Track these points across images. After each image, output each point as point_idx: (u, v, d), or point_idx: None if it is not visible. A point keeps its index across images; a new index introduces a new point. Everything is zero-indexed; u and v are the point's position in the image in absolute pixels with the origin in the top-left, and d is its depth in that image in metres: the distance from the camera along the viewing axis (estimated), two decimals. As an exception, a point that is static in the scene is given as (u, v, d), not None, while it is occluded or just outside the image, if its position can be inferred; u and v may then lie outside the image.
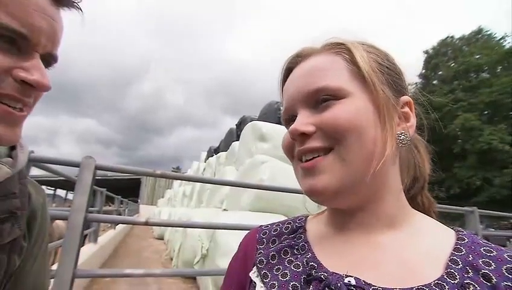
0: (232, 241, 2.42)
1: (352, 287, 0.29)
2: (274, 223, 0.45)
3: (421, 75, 26.59)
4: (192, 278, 3.73)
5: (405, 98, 0.36)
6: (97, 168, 1.42)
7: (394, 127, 0.34)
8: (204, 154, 10.95)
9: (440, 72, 24.20)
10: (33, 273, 0.43)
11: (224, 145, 7.11)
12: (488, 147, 17.62)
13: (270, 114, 5.36)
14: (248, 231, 0.46)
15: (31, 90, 0.33)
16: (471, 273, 0.28)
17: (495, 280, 0.27)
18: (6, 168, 0.37)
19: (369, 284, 0.29)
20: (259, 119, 5.49)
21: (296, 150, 0.36)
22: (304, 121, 0.34)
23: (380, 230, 0.34)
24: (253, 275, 0.37)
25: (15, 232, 0.39)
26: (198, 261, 2.89)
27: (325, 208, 0.42)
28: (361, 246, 0.34)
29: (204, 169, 8.15)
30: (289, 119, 0.38)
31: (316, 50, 0.38)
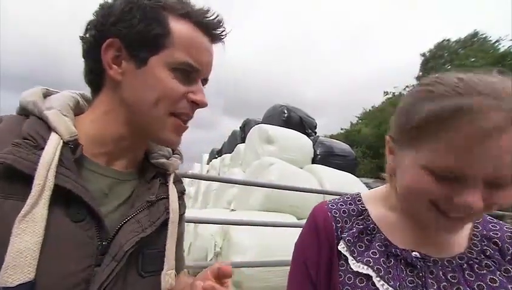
0: (246, 239, 2.53)
1: (419, 259, 0.43)
2: (337, 202, 0.55)
3: (417, 78, 26.85)
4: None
5: None
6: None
7: None
8: (206, 156, 11.05)
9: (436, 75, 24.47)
10: (181, 244, 0.56)
11: (228, 148, 7.23)
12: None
13: (275, 117, 5.49)
14: (314, 208, 0.55)
15: (196, 107, 0.46)
16: (486, 242, 0.43)
17: (500, 243, 0.42)
18: (178, 161, 0.52)
19: (429, 256, 0.43)
20: (264, 121, 5.62)
21: (448, 207, 0.38)
22: (480, 197, 0.35)
23: None
24: (343, 249, 0.48)
25: (184, 207, 0.54)
26: (211, 259, 3.01)
27: (375, 190, 0.55)
28: (412, 228, 0.47)
29: (207, 171, 8.26)
30: (453, 176, 0.36)
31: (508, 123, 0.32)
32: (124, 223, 0.42)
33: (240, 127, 6.85)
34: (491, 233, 0.44)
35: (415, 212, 0.43)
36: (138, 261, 0.43)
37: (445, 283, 0.41)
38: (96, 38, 0.42)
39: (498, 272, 0.40)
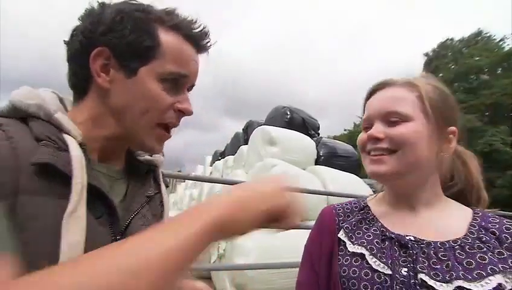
0: (249, 241, 2.54)
1: (413, 242, 0.47)
2: (343, 203, 0.63)
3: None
4: (207, 278, 3.85)
5: (452, 128, 0.51)
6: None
7: (437, 147, 0.50)
8: (209, 158, 11.08)
9: (441, 75, 24.31)
10: None
11: (231, 149, 7.25)
12: (490, 148, 17.70)
13: (277, 118, 5.49)
14: (322, 209, 0.63)
15: (182, 115, 0.47)
16: (483, 231, 0.46)
17: (498, 233, 0.45)
18: (161, 156, 0.55)
19: (422, 239, 0.47)
20: (266, 123, 5.62)
21: (368, 146, 0.53)
22: (379, 130, 0.51)
23: (422, 208, 0.52)
24: (342, 236, 0.55)
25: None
26: (214, 262, 3.01)
27: (378, 193, 0.61)
28: (411, 218, 0.52)
29: (211, 173, 8.28)
30: (366, 126, 0.55)
31: (397, 83, 0.54)
32: (133, 218, 0.45)
33: (243, 129, 6.87)
34: (489, 225, 0.48)
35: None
36: None
37: (434, 260, 0.45)
38: (84, 45, 0.43)
39: (490, 253, 0.43)
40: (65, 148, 0.38)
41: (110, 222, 0.42)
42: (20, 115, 0.40)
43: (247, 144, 5.40)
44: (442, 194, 0.54)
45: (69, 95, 0.48)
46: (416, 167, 0.49)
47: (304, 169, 4.15)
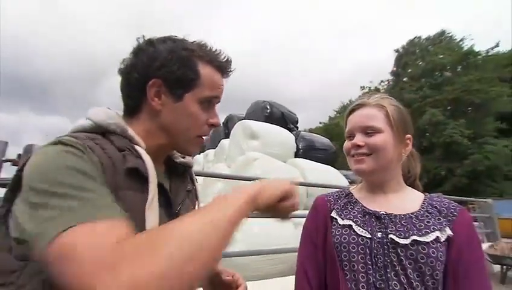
0: (236, 232, 2.64)
1: (384, 215, 0.66)
2: (332, 192, 0.82)
3: (392, 73, 28.03)
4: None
5: (408, 135, 0.71)
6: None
7: (400, 149, 0.70)
8: (187, 152, 10.97)
9: (409, 70, 25.75)
10: None
11: (211, 143, 7.24)
12: (451, 140, 19.25)
13: (257, 112, 5.59)
14: (316, 197, 0.80)
15: (213, 127, 0.60)
16: (430, 207, 0.67)
17: (438, 207, 0.68)
18: (191, 158, 0.68)
19: (390, 213, 0.68)
20: (246, 117, 5.70)
21: (352, 151, 0.72)
22: (360, 139, 0.71)
23: (390, 193, 0.72)
24: (334, 214, 0.73)
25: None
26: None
27: (358, 184, 0.79)
28: (383, 200, 0.71)
29: (190, 167, 8.22)
30: (349, 135, 0.74)
31: (370, 104, 0.71)
32: (180, 208, 0.59)
33: (223, 123, 6.87)
34: (434, 202, 0.69)
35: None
36: None
37: (399, 225, 0.65)
38: (142, 76, 0.54)
39: (433, 219, 0.66)
40: (138, 156, 0.50)
41: (167, 211, 0.54)
42: (101, 131, 0.51)
43: (227, 137, 5.46)
44: (404, 183, 0.75)
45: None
46: (386, 165, 0.69)
47: (285, 162, 4.31)
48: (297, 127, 5.80)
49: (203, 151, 7.63)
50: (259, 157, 3.84)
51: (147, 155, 0.51)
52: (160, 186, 0.52)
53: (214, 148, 6.25)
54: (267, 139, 4.44)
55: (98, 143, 0.46)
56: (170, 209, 0.55)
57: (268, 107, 5.52)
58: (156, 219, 0.47)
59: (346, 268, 0.65)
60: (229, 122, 6.40)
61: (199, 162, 7.23)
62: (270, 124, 4.93)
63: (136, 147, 0.52)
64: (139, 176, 0.48)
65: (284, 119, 5.57)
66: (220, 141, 5.88)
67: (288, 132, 5.04)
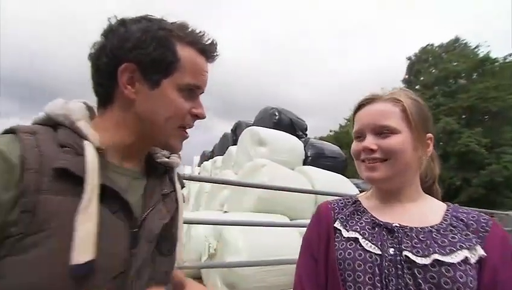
0: (239, 240, 2.57)
1: (398, 227, 0.56)
2: (337, 199, 0.71)
3: (404, 81, 27.57)
4: (197, 278, 3.84)
5: (429, 135, 0.61)
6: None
7: (420, 152, 0.59)
8: (197, 159, 11.02)
9: (422, 78, 25.25)
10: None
11: (219, 150, 7.24)
12: (466, 149, 18.60)
13: (266, 119, 5.55)
14: (319, 205, 0.70)
15: (197, 118, 0.54)
16: (454, 219, 0.55)
17: (466, 220, 0.56)
18: (178, 159, 0.60)
19: (405, 226, 0.56)
20: (255, 124, 5.67)
21: (363, 156, 0.60)
22: (372, 142, 0.59)
23: (406, 202, 0.61)
24: (338, 225, 0.63)
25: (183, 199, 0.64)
26: (206, 261, 3.02)
27: (365, 192, 0.69)
28: (397, 210, 0.60)
29: (199, 173, 8.24)
30: (358, 136, 0.63)
31: (382, 97, 0.62)
32: (149, 212, 0.50)
33: (231, 130, 6.88)
34: (459, 214, 0.58)
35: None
36: (159, 244, 0.51)
37: (416, 241, 0.54)
38: (112, 60, 0.48)
39: (459, 234, 0.54)
40: (82, 153, 0.43)
41: (126, 215, 0.47)
42: (51, 123, 0.46)
43: (235, 144, 5.43)
44: (421, 190, 0.63)
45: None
46: (404, 171, 0.58)
47: (293, 169, 4.23)
48: (306, 134, 5.73)
49: (211, 158, 7.64)
50: (267, 163, 3.78)
51: (93, 152, 0.44)
52: (109, 188, 0.44)
53: (222, 155, 6.24)
54: (275, 146, 4.38)
55: (36, 138, 0.42)
56: (130, 214, 0.47)
57: (276, 114, 5.48)
58: (92, 227, 0.40)
59: None
60: (238, 129, 6.39)
61: (207, 168, 7.23)
62: (278, 131, 4.88)
63: (85, 142, 0.45)
64: (73, 178, 0.41)
65: (293, 126, 5.51)
66: (228, 148, 5.87)
67: (297, 138, 4.97)
